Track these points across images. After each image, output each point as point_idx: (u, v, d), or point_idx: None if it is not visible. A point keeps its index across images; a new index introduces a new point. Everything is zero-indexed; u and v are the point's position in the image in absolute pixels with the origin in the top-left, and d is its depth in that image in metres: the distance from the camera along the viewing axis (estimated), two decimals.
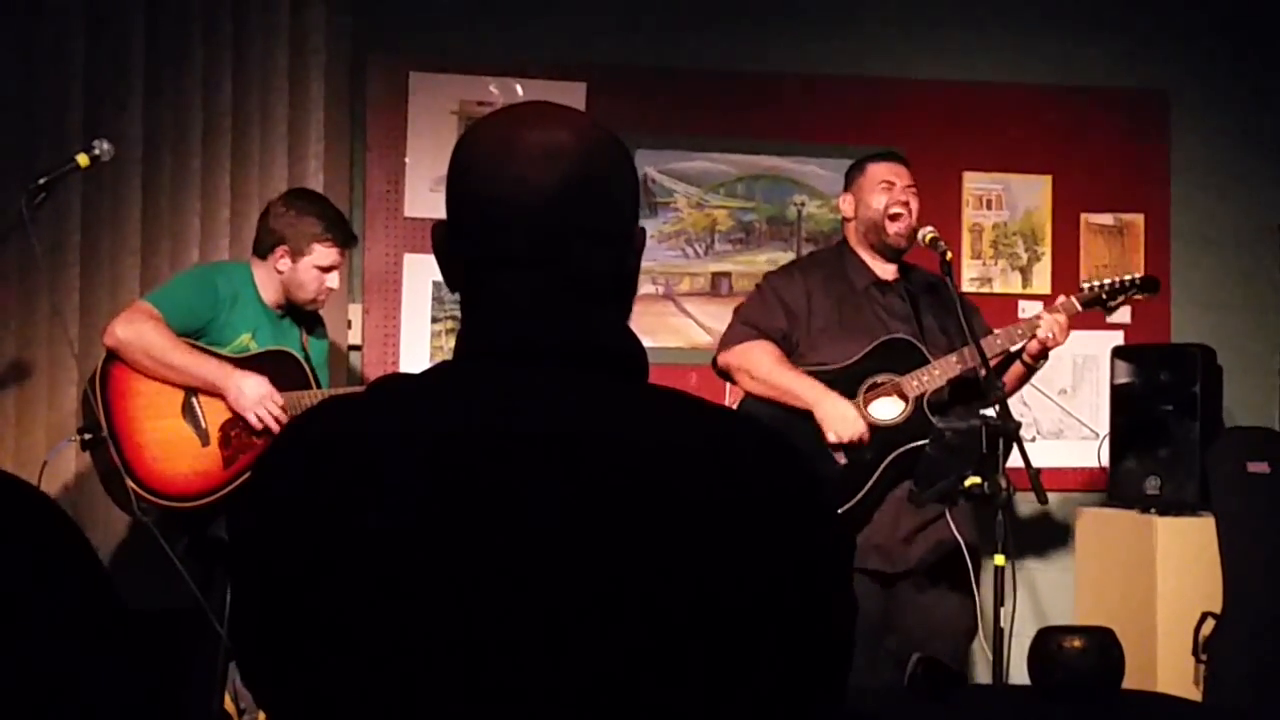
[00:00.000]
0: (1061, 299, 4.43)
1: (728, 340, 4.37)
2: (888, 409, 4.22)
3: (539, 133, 1.40)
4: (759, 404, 4.24)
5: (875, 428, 4.18)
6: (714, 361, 4.43)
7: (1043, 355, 4.29)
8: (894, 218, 4.30)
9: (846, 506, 4.13)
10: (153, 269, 4.70)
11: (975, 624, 4.22)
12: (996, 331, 4.27)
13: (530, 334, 1.38)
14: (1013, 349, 4.30)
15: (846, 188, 4.44)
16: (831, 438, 4.13)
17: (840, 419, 4.14)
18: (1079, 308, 4.39)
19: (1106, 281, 4.48)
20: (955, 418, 4.09)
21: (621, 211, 1.44)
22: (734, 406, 4.46)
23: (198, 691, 3.93)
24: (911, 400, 4.20)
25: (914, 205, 4.33)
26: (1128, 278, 4.47)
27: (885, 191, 4.31)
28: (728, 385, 4.56)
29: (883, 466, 4.17)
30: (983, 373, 4.01)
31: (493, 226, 1.39)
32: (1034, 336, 4.24)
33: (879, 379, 4.23)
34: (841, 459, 4.17)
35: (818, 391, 4.18)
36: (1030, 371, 4.37)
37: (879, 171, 4.34)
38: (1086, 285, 4.48)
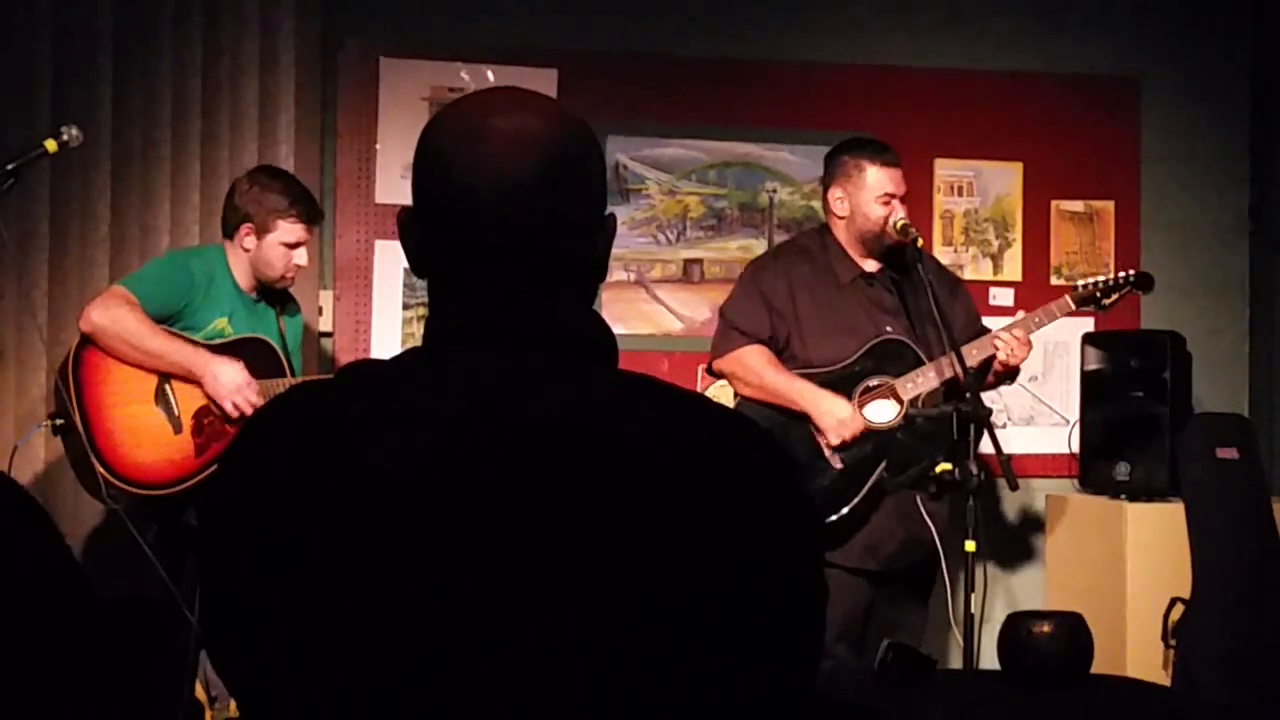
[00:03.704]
0: (1024, 319, 4.37)
1: (719, 347, 4.32)
2: (882, 411, 4.18)
3: (508, 120, 1.39)
4: (754, 407, 4.19)
5: (870, 430, 4.15)
6: (709, 367, 4.40)
7: (1008, 374, 4.27)
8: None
9: (839, 515, 4.09)
10: (122, 255, 4.68)
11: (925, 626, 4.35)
12: (978, 341, 4.23)
13: (500, 321, 1.38)
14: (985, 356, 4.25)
15: (835, 179, 4.31)
16: (834, 439, 4.11)
17: (838, 422, 4.11)
18: (1073, 307, 4.36)
19: (1101, 279, 4.45)
20: (928, 405, 4.09)
21: (591, 199, 1.44)
22: (709, 396, 4.45)
23: (169, 679, 3.91)
24: (906, 403, 4.16)
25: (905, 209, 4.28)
26: (1121, 275, 4.43)
27: (885, 205, 4.22)
28: (699, 370, 4.54)
29: (876, 474, 4.13)
30: (961, 372, 4.00)
31: (462, 215, 1.39)
32: (994, 357, 4.20)
33: (873, 381, 4.19)
34: (838, 463, 4.14)
35: (813, 393, 4.14)
36: (996, 385, 4.36)
37: (880, 181, 4.22)
38: (1080, 284, 4.43)
